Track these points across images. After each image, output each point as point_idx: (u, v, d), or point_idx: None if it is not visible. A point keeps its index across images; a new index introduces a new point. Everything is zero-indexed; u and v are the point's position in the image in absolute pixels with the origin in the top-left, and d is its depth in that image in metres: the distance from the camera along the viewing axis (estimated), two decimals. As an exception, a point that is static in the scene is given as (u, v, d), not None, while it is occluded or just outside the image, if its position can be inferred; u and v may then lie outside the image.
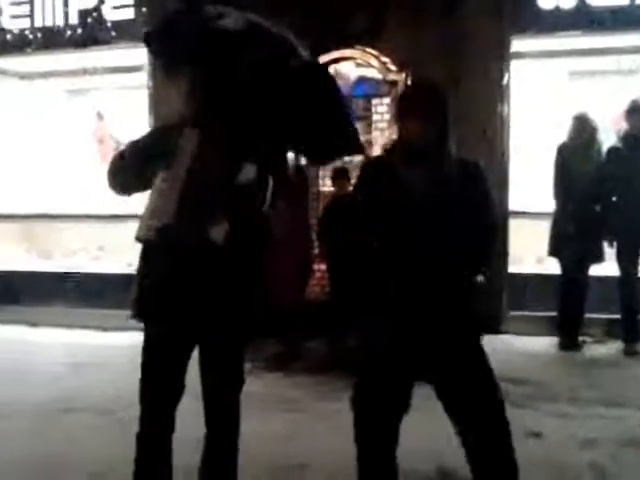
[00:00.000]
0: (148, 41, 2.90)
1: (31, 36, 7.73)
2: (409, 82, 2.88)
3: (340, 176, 5.94)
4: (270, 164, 2.77)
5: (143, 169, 2.71)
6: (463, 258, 2.55)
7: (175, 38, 2.76)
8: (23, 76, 8.64)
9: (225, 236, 2.60)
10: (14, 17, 7.75)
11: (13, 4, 7.74)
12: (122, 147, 2.87)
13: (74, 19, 7.56)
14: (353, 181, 6.13)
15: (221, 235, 2.60)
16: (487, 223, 2.67)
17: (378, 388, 2.61)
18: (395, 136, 2.73)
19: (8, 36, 7.80)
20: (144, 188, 2.79)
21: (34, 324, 7.28)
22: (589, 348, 6.08)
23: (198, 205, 2.61)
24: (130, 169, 2.74)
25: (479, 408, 2.56)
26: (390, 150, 2.78)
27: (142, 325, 2.73)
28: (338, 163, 6.03)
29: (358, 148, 3.03)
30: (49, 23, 7.63)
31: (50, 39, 7.65)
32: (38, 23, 7.66)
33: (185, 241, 2.62)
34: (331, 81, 2.97)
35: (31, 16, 7.68)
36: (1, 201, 8.21)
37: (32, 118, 8.58)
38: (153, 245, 2.67)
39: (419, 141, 2.57)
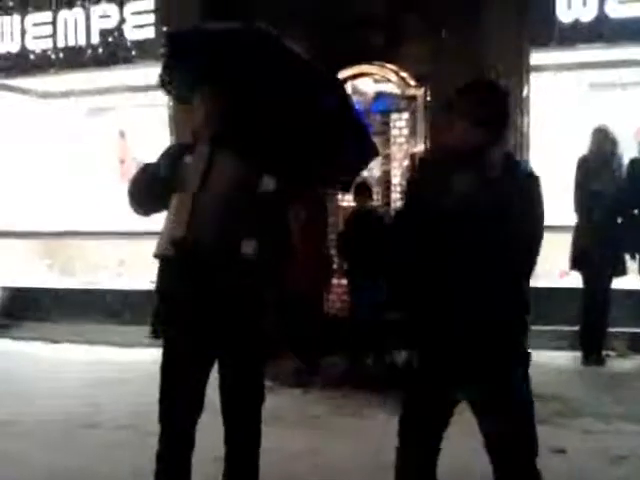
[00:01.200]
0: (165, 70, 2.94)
1: (53, 56, 7.85)
2: (471, 81, 2.60)
3: (362, 191, 5.93)
4: (288, 176, 2.76)
5: (158, 190, 2.74)
6: (506, 271, 2.41)
7: (185, 57, 2.79)
8: (45, 95, 8.77)
9: (254, 250, 2.61)
10: (37, 38, 7.87)
11: (36, 25, 7.86)
12: (141, 166, 2.90)
13: (95, 39, 7.66)
14: (374, 196, 6.20)
15: (251, 249, 2.61)
16: (530, 235, 2.45)
17: (422, 407, 2.55)
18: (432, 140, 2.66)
19: (31, 56, 7.92)
20: (161, 208, 2.81)
21: (56, 341, 7.33)
22: (613, 363, 6.01)
23: (214, 218, 2.63)
24: (146, 190, 2.77)
25: (508, 441, 2.47)
26: (439, 152, 2.67)
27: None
28: (358, 178, 6.03)
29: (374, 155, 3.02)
30: (71, 43, 7.74)
31: (72, 58, 7.76)
32: (60, 43, 7.78)
33: (200, 253, 2.62)
34: (346, 96, 2.96)
35: (53, 36, 7.80)
36: (24, 219, 8.30)
37: (54, 137, 8.69)
38: (169, 260, 2.68)
39: (462, 145, 2.42)
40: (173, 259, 2.67)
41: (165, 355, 2.76)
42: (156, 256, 2.76)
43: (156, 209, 2.86)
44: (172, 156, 2.80)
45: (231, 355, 2.75)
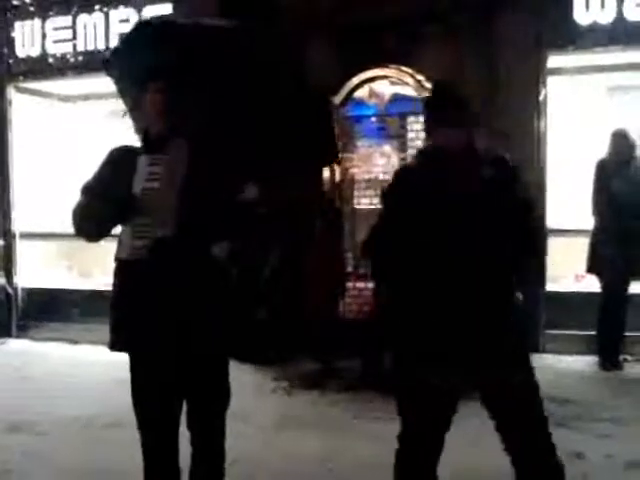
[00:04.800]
0: (109, 65, 2.93)
1: (72, 59, 7.93)
2: (432, 88, 3.02)
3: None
4: (266, 178, 2.71)
5: (118, 211, 2.63)
6: (508, 259, 2.53)
7: (145, 53, 2.74)
8: (65, 99, 8.85)
9: (228, 253, 2.57)
10: (57, 42, 7.96)
11: (56, 29, 7.95)
12: (86, 189, 2.80)
13: (115, 42, 7.72)
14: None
15: (224, 252, 2.57)
16: (527, 212, 2.66)
17: (423, 405, 2.59)
18: (426, 143, 2.76)
19: (51, 60, 8.01)
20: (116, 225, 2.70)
21: (75, 341, 7.42)
22: (631, 367, 5.97)
23: (194, 220, 2.53)
24: (106, 205, 2.67)
25: (521, 424, 2.56)
26: (423, 156, 2.76)
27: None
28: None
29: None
30: (90, 47, 7.82)
31: (91, 62, 7.83)
32: (80, 47, 7.86)
33: (180, 257, 2.53)
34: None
35: (73, 40, 7.89)
36: (44, 221, 8.38)
37: (73, 139, 8.77)
38: (139, 264, 2.58)
39: (453, 145, 2.58)
40: (140, 262, 2.55)
41: (134, 364, 2.71)
42: (119, 260, 2.64)
43: (113, 226, 2.73)
44: (122, 170, 2.68)
45: (195, 356, 2.63)
